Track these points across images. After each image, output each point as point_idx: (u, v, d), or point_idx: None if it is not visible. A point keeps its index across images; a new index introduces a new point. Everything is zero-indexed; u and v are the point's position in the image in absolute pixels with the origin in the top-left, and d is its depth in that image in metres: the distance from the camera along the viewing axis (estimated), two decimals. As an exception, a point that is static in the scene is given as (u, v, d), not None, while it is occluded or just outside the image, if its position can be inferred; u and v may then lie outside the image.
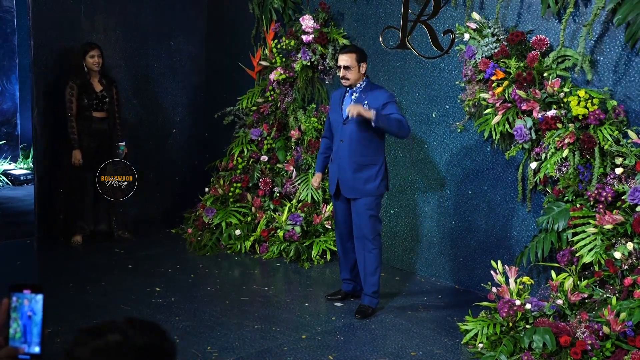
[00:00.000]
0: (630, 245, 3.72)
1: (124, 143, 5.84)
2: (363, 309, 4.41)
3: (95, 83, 5.66)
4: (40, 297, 1.42)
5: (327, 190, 5.92)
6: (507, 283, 4.04)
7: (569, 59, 4.31)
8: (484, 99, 4.57)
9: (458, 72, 4.98)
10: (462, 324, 4.15)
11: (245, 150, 6.25)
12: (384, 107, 4.19)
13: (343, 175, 4.35)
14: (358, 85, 4.33)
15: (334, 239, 5.58)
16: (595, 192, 3.99)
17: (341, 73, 4.29)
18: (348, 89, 4.37)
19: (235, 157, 6.24)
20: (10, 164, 8.57)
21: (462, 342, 4.00)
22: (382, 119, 4.07)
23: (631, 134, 3.95)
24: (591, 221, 3.96)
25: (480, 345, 3.86)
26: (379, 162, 4.33)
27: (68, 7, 5.90)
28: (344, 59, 4.28)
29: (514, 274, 4.05)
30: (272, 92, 6.19)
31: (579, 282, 3.89)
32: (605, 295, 3.73)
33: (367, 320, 4.34)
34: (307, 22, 5.83)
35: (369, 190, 4.31)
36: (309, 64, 5.91)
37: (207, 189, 6.30)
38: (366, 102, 4.24)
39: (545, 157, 4.28)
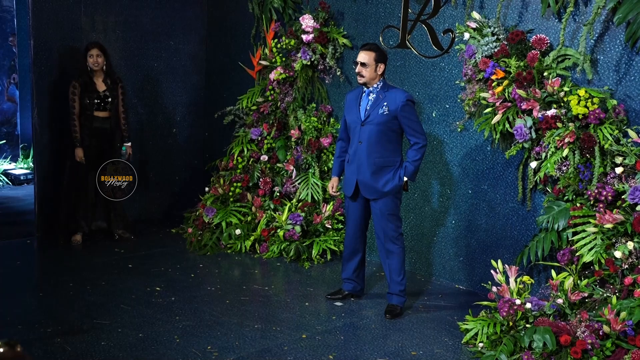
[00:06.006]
0: (630, 245, 3.72)
1: (129, 144, 5.84)
2: (392, 309, 4.42)
3: (98, 82, 5.65)
4: None
5: (329, 191, 5.93)
6: (508, 282, 4.04)
7: (569, 58, 4.31)
8: (484, 98, 4.57)
9: (458, 71, 4.98)
10: (462, 324, 4.15)
11: (246, 149, 6.25)
12: (402, 109, 4.21)
13: (362, 177, 4.34)
14: (375, 86, 4.32)
15: (335, 238, 5.58)
16: (596, 191, 3.99)
17: (357, 69, 4.29)
18: (365, 89, 4.36)
19: (235, 157, 6.24)
20: (10, 163, 8.58)
21: (462, 342, 4.00)
22: (414, 173, 4.32)
23: (631, 133, 3.95)
24: (591, 220, 3.96)
25: (481, 344, 3.86)
26: (397, 162, 4.32)
27: (68, 7, 5.91)
28: (362, 56, 4.27)
29: (514, 273, 4.05)
30: (272, 92, 6.19)
31: (579, 282, 3.89)
32: (605, 295, 3.73)
33: (367, 320, 4.34)
34: (307, 21, 5.83)
35: (388, 191, 4.31)
36: (309, 63, 5.91)
37: (207, 189, 6.30)
38: (385, 103, 4.23)
39: (546, 156, 4.28)
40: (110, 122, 5.72)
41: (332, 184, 4.68)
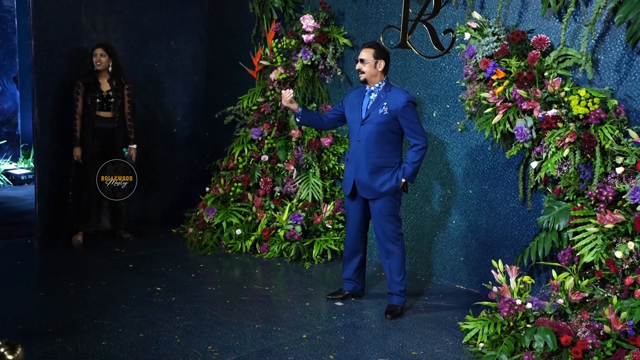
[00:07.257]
0: (631, 245, 3.71)
1: (134, 146, 5.81)
2: (392, 309, 4.42)
3: (103, 82, 5.66)
4: None
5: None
6: (508, 282, 4.04)
7: (570, 58, 4.31)
8: (485, 98, 4.57)
9: (459, 71, 4.98)
10: (463, 324, 4.15)
11: (246, 149, 6.25)
12: (402, 110, 4.20)
13: (360, 177, 4.34)
14: (377, 85, 4.32)
15: (335, 238, 5.58)
16: (596, 191, 3.98)
17: (357, 66, 4.33)
18: (367, 88, 4.36)
19: (235, 157, 6.24)
20: (11, 163, 8.58)
21: (463, 342, 4.00)
22: (413, 174, 4.28)
23: (632, 133, 3.95)
24: (592, 220, 3.96)
25: (481, 344, 3.86)
26: (395, 163, 4.31)
27: (68, 7, 5.91)
28: (361, 53, 4.32)
29: (515, 273, 4.05)
30: (272, 92, 6.19)
31: (579, 282, 3.88)
32: (606, 295, 3.73)
33: (368, 320, 4.34)
34: (308, 21, 5.83)
35: (386, 191, 4.31)
36: (309, 63, 5.91)
37: (207, 189, 6.30)
38: (385, 103, 4.23)
39: (546, 156, 4.28)
40: (113, 123, 5.72)
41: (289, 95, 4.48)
